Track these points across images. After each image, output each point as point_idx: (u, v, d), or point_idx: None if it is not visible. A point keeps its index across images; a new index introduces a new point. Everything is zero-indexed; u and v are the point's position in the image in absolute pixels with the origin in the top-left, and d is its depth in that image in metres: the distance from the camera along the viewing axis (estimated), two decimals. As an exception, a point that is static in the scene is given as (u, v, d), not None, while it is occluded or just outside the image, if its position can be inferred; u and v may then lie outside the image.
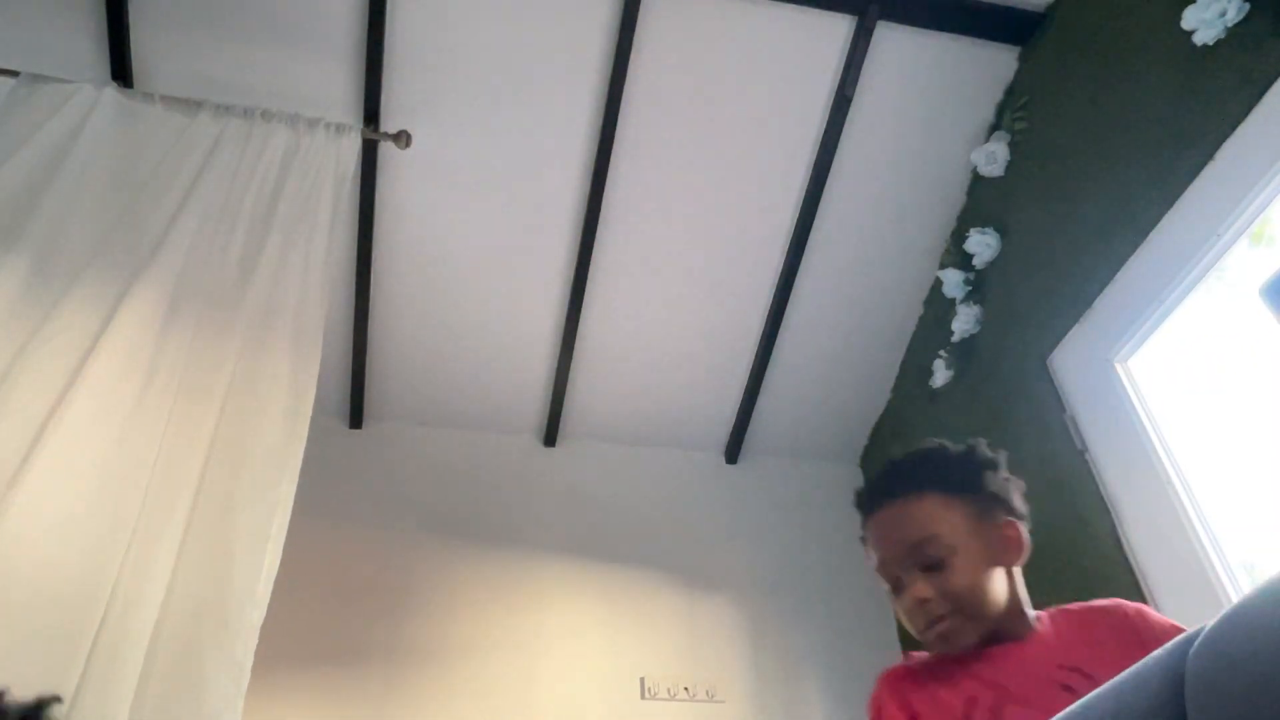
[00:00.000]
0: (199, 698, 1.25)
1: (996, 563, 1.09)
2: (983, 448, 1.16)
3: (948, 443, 1.17)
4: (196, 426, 1.49)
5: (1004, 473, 1.15)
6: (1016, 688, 1.00)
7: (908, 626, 1.11)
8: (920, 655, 1.12)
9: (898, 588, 1.11)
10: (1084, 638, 1.05)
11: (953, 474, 1.14)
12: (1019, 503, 1.14)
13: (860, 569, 2.42)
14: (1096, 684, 0.94)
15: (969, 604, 1.06)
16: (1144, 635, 1.03)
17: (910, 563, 1.08)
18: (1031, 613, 1.09)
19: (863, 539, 1.19)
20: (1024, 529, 1.12)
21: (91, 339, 1.50)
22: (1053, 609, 1.10)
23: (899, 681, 1.09)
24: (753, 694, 2.20)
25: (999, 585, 1.09)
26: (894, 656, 2.17)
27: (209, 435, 1.49)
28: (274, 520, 1.44)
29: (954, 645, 1.06)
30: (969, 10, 2.02)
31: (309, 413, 1.59)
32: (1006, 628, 1.07)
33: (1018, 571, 1.11)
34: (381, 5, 1.93)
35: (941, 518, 1.10)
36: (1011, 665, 1.03)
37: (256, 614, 1.35)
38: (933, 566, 1.07)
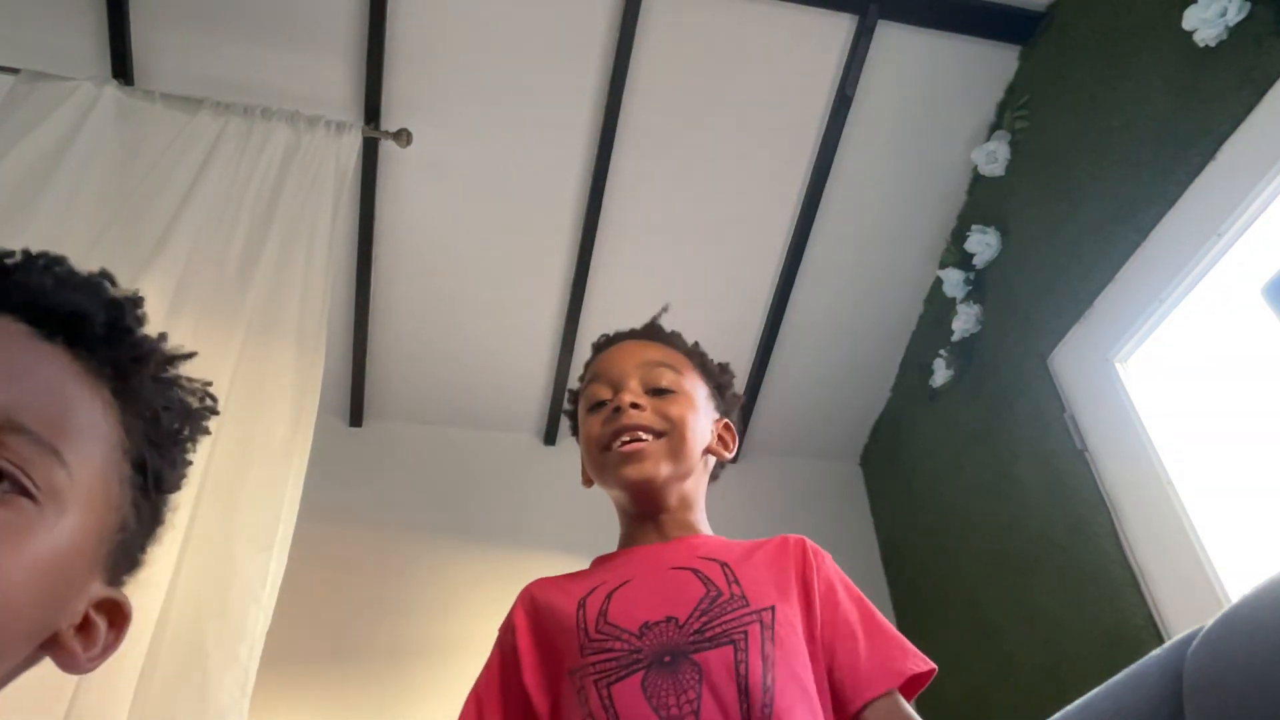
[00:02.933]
0: (203, 699, 1.25)
1: (709, 441, 1.08)
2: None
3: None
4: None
5: (737, 392, 1.18)
6: (639, 573, 0.96)
7: (588, 444, 1.06)
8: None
9: (606, 398, 1.06)
10: (738, 547, 1.01)
11: (704, 358, 1.16)
12: (735, 420, 1.16)
13: (861, 568, 2.44)
14: (725, 568, 0.94)
15: (675, 435, 1.03)
16: (794, 557, 1.00)
17: (638, 377, 1.06)
18: (704, 522, 1.06)
19: (581, 379, 1.16)
20: (735, 439, 1.13)
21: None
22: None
23: (531, 586, 1.04)
24: (752, 693, 2.20)
25: (701, 457, 1.07)
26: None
27: (212, 436, 1.48)
28: (280, 521, 1.43)
29: (641, 467, 1.00)
30: (970, 9, 2.02)
31: (314, 411, 1.59)
32: (674, 518, 1.03)
33: (706, 474, 1.10)
34: (382, 3, 1.92)
35: (686, 369, 1.11)
36: (646, 557, 1.00)
37: (263, 617, 1.35)
38: (659, 391, 1.06)
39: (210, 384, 0.62)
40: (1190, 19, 1.56)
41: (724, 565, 0.96)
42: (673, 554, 1.00)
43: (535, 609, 1.01)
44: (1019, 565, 1.89)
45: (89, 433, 0.53)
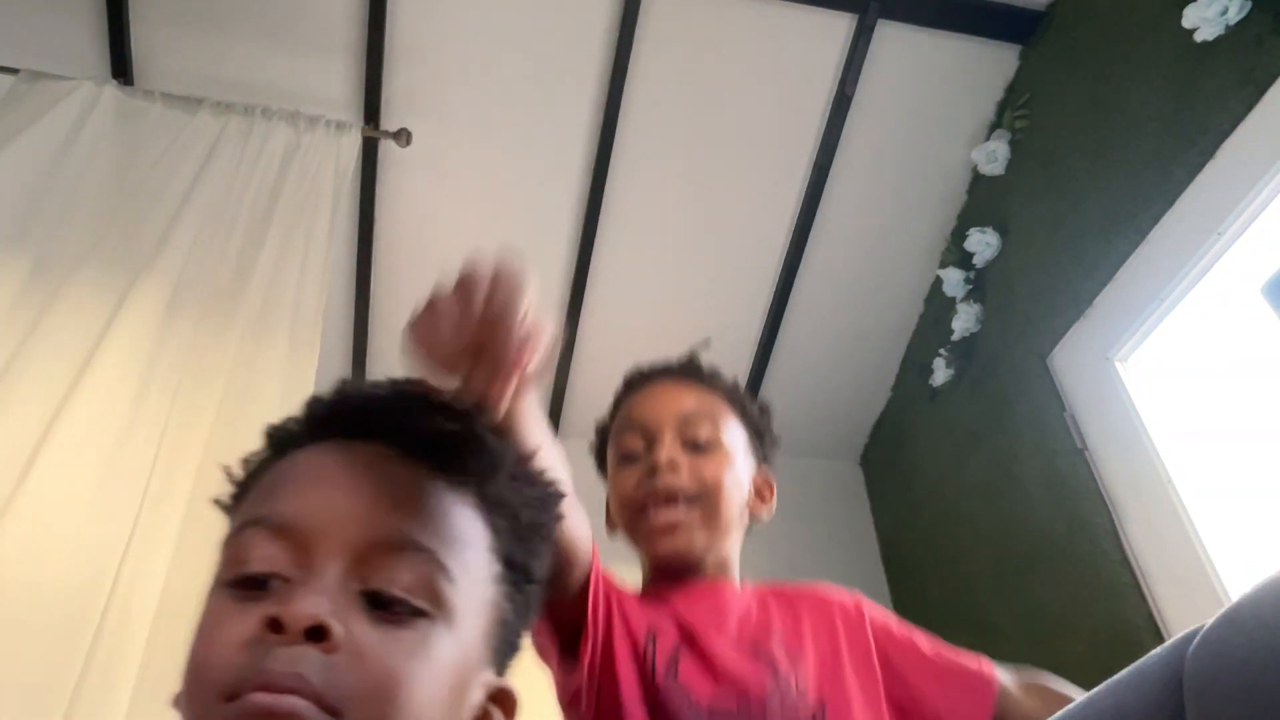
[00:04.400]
0: None
1: (746, 497, 1.01)
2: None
3: None
4: (195, 424, 1.49)
5: (776, 436, 1.10)
6: (701, 629, 0.91)
7: (621, 502, 0.98)
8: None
9: (639, 452, 0.98)
10: (782, 608, 0.98)
11: (745, 401, 1.08)
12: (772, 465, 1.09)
13: (861, 568, 2.44)
14: (786, 647, 0.90)
15: (713, 500, 0.95)
16: (834, 610, 0.98)
17: (674, 429, 0.98)
18: (736, 579, 1.01)
19: (611, 415, 1.08)
20: (773, 493, 1.06)
21: (92, 338, 1.50)
22: (758, 585, 1.02)
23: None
24: (752, 692, 2.20)
25: (738, 517, 1.00)
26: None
27: (207, 431, 1.48)
28: None
29: (673, 543, 0.94)
30: (970, 8, 2.02)
31: None
32: (716, 572, 0.97)
33: (743, 530, 1.03)
34: (382, 3, 1.92)
35: (724, 417, 1.03)
36: (704, 606, 0.94)
37: None
38: (697, 447, 0.98)
39: (548, 471, 0.65)
40: (1190, 18, 1.56)
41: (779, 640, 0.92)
42: (730, 606, 0.95)
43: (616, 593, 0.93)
44: (1019, 565, 1.89)
45: (465, 541, 0.56)
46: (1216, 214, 1.52)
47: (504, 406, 0.60)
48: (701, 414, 1.01)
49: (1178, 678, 0.53)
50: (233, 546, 0.54)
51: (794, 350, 2.49)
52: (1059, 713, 0.66)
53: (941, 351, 2.27)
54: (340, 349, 2.35)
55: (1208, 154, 1.54)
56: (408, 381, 0.61)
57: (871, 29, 2.00)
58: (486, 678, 0.57)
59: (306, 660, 0.47)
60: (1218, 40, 1.54)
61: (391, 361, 2.42)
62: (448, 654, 0.52)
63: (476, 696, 0.56)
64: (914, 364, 2.47)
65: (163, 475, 1.43)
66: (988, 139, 2.15)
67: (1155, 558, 1.55)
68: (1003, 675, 0.97)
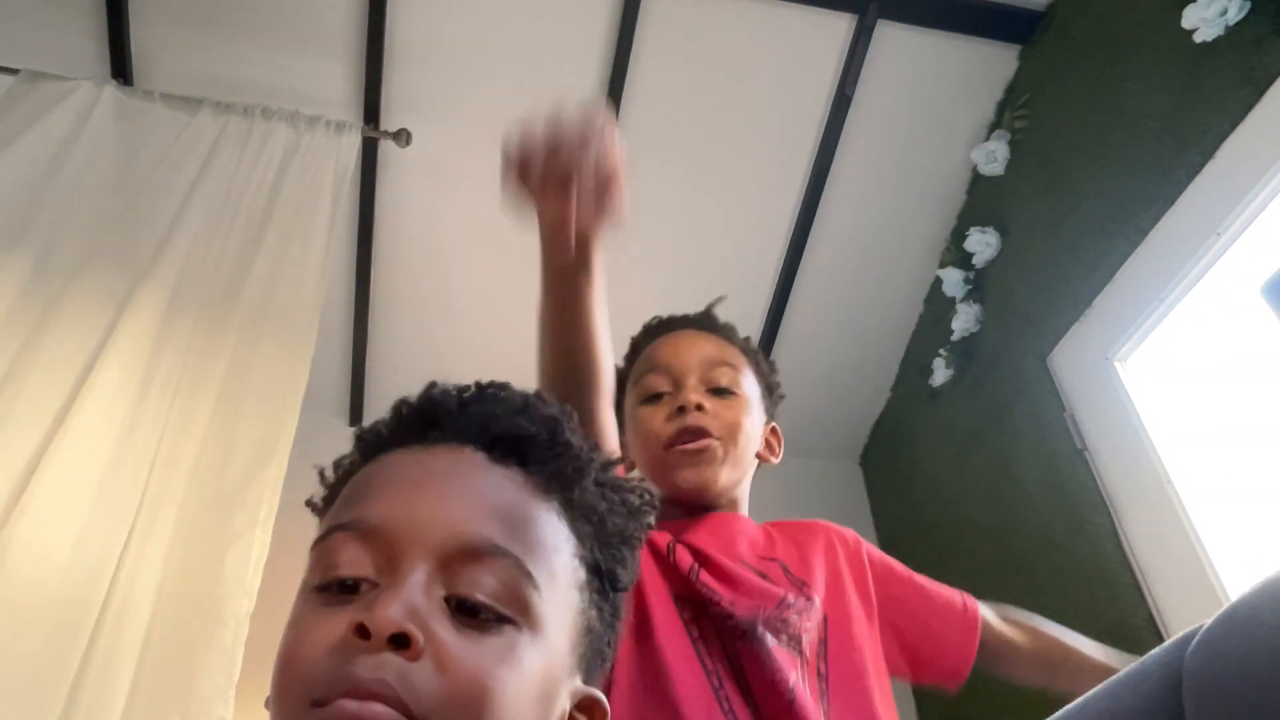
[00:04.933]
0: (189, 687, 1.26)
1: (759, 445, 1.08)
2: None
3: None
4: (193, 423, 1.49)
5: (783, 394, 1.17)
6: (715, 552, 0.95)
7: (647, 438, 1.02)
8: None
9: (666, 391, 1.03)
10: (786, 538, 1.05)
11: (758, 355, 1.14)
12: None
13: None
14: (789, 570, 0.97)
15: (735, 440, 1.01)
16: (833, 538, 1.06)
17: (699, 376, 1.04)
18: (746, 512, 1.08)
19: (629, 359, 1.12)
20: (781, 444, 1.14)
21: (93, 340, 1.50)
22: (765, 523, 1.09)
23: None
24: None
25: (752, 461, 1.07)
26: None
27: (203, 430, 1.49)
28: (261, 506, 1.44)
29: (700, 471, 0.99)
30: (969, 9, 2.02)
31: (299, 402, 1.59)
32: (729, 508, 1.03)
33: (751, 475, 1.09)
34: (382, 3, 1.92)
35: (742, 368, 1.09)
36: (715, 532, 0.99)
37: (247, 603, 1.36)
38: (719, 392, 1.03)
39: (644, 481, 0.68)
40: (1190, 18, 1.56)
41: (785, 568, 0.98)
42: (741, 532, 1.01)
43: None
44: (1019, 565, 1.89)
45: (551, 547, 0.55)
46: (1216, 214, 1.52)
47: (584, 241, 0.72)
48: (723, 361, 1.06)
49: (1177, 678, 0.53)
50: (321, 551, 0.54)
51: (794, 350, 2.49)
52: (1059, 712, 0.66)
53: (941, 351, 2.27)
54: (340, 348, 2.35)
55: (1207, 154, 1.54)
56: (494, 384, 0.61)
57: (871, 29, 2.00)
58: (574, 686, 0.56)
59: (391, 667, 0.47)
60: (1217, 41, 1.54)
61: (392, 361, 2.43)
62: (534, 662, 0.52)
63: (563, 705, 0.55)
64: (914, 364, 2.47)
65: (161, 476, 1.43)
66: (987, 139, 2.15)
67: (1155, 558, 1.55)
68: (985, 609, 1.10)
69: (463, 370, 2.53)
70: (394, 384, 2.56)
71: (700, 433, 1.00)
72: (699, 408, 1.01)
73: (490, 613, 0.51)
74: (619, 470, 0.64)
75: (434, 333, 2.41)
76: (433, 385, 0.63)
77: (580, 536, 0.58)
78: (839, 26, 2.03)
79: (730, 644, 0.87)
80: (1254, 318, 1.46)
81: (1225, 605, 0.54)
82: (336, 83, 2.05)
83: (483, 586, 0.51)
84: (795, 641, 0.89)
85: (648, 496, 0.64)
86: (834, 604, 0.97)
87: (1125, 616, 1.57)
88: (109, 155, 1.79)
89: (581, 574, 0.57)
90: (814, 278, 2.37)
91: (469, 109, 2.09)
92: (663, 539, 0.95)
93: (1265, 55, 1.45)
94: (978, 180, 2.21)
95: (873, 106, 2.13)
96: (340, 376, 2.40)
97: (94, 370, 1.46)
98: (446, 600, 0.51)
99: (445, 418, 0.59)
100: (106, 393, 1.46)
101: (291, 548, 1.58)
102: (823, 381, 2.56)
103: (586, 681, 0.58)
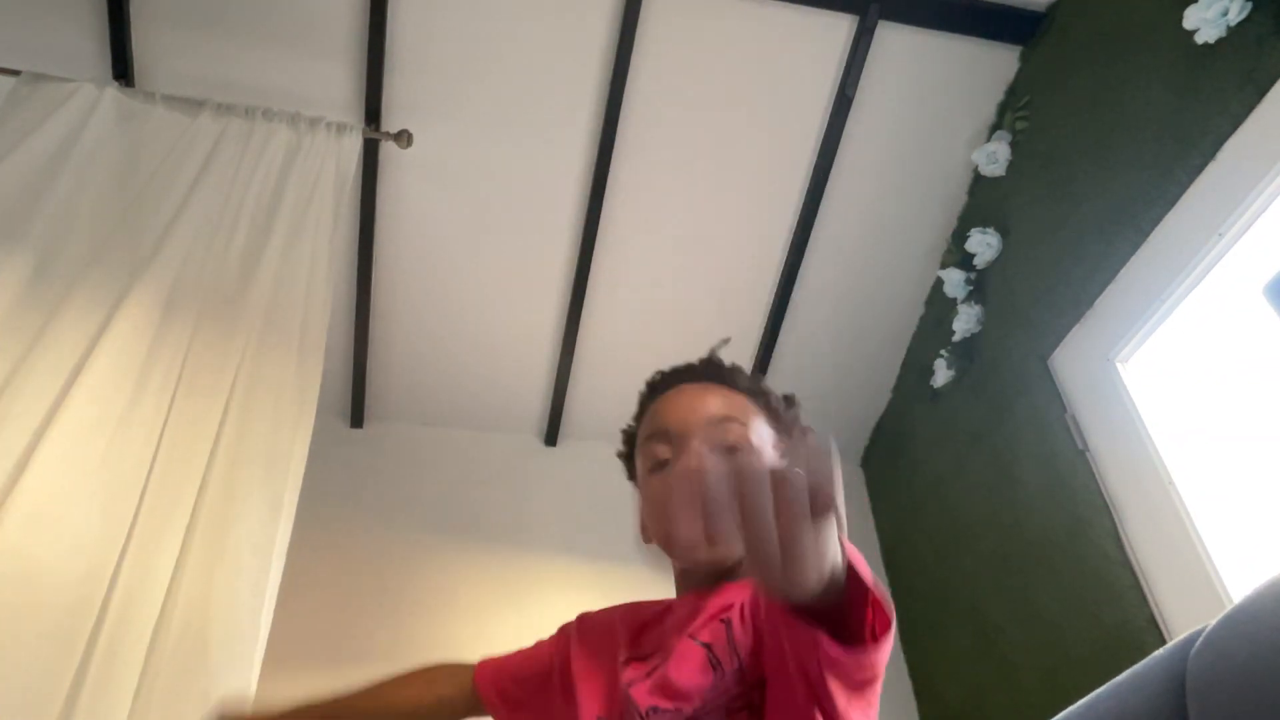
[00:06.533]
0: (206, 698, 1.25)
1: None
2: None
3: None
4: (199, 427, 1.49)
5: (805, 425, 1.09)
6: (678, 623, 0.90)
7: (656, 511, 0.98)
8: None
9: (669, 459, 0.97)
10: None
11: (769, 395, 1.07)
12: None
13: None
14: (742, 618, 0.87)
15: None
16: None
17: (702, 436, 0.97)
18: None
19: (636, 419, 1.07)
20: None
21: (92, 341, 1.50)
22: None
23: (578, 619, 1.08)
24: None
25: None
26: (896, 654, 2.17)
27: (212, 437, 1.48)
28: (279, 523, 1.44)
29: (713, 552, 0.91)
30: (970, 10, 2.02)
31: (313, 413, 1.59)
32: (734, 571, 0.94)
33: None
34: (383, 4, 1.93)
35: (752, 417, 1.02)
36: (688, 605, 0.93)
37: (265, 615, 1.35)
38: (727, 451, 0.96)
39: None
40: (1191, 19, 1.56)
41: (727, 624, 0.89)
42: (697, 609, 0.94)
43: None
44: (1020, 566, 1.89)
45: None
46: (1217, 215, 1.52)
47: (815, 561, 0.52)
48: (728, 416, 1.00)
49: (1180, 680, 0.54)
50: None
51: (795, 351, 2.49)
52: (1062, 714, 0.66)
53: (942, 352, 2.27)
54: (342, 348, 2.35)
55: (1208, 155, 1.55)
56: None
57: (872, 30, 2.01)
58: None
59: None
60: (1218, 42, 1.54)
61: (392, 362, 2.43)
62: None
63: None
64: (915, 365, 2.47)
65: (162, 476, 1.43)
66: (988, 140, 2.16)
67: (1156, 558, 1.55)
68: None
69: (463, 369, 2.53)
70: (395, 385, 2.57)
71: None
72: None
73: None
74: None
75: (434, 334, 2.41)
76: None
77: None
78: (840, 27, 2.03)
79: None
80: (1255, 318, 1.46)
81: (1227, 607, 0.54)
82: (338, 84, 2.05)
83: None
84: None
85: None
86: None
87: (1127, 617, 1.57)
88: (110, 156, 1.79)
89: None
90: (815, 278, 2.37)
91: (470, 110, 2.09)
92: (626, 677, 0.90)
93: (1266, 56, 1.45)
94: (979, 181, 2.21)
95: (874, 107, 2.13)
96: (341, 378, 2.40)
97: (90, 371, 1.45)
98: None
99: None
100: (102, 393, 1.45)
101: (306, 546, 1.58)
102: (823, 382, 2.56)
103: None
